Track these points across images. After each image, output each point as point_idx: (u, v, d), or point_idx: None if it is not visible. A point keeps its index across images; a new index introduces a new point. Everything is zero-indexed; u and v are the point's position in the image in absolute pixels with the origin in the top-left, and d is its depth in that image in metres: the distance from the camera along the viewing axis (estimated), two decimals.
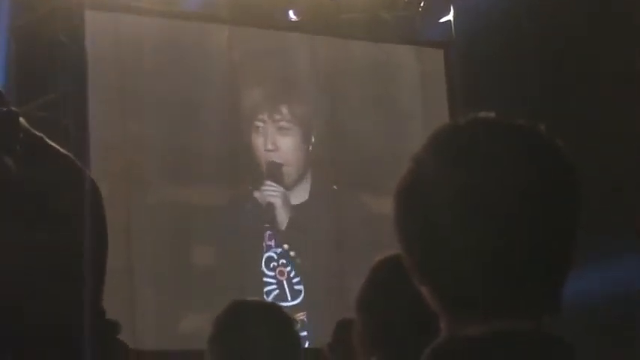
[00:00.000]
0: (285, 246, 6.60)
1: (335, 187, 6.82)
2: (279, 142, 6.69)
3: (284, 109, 6.73)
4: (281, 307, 2.58)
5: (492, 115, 1.42)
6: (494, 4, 6.74)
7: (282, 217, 6.63)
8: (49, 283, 1.47)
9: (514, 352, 1.34)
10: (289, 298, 6.53)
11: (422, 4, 7.24)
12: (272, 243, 6.62)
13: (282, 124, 6.72)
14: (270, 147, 6.65)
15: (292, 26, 7.00)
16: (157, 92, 6.36)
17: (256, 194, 6.59)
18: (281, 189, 6.63)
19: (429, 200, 1.38)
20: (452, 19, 7.18)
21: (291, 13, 7.00)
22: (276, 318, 2.53)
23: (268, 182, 6.62)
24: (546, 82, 6.63)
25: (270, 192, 6.59)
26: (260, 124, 6.67)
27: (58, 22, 5.97)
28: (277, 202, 6.61)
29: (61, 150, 1.64)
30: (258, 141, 6.66)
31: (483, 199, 1.35)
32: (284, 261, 6.60)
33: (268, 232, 6.62)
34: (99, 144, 5.91)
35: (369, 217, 6.65)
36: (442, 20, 7.25)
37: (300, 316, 6.39)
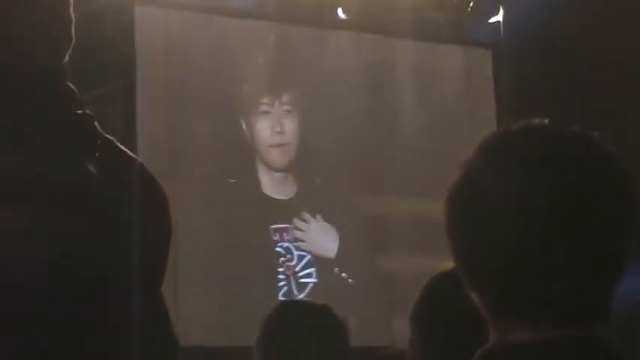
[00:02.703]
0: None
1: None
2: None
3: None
4: (331, 307, 2.57)
5: (544, 121, 1.41)
6: (543, 5, 6.69)
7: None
8: (124, 274, 1.51)
9: (563, 357, 1.33)
10: (295, 292, 6.47)
11: (471, 5, 7.20)
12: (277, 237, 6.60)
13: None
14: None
15: (341, 24, 6.99)
16: (205, 89, 6.38)
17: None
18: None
19: (480, 207, 1.38)
20: (501, 19, 7.14)
21: (339, 11, 7.00)
22: (326, 318, 2.52)
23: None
24: (598, 83, 6.57)
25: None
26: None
27: (107, 18, 6.01)
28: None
29: (131, 154, 1.67)
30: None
31: (535, 206, 1.35)
32: (289, 255, 6.57)
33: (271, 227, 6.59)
34: (147, 140, 5.94)
35: (414, 219, 6.63)
36: (491, 21, 7.21)
37: None
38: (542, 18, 6.78)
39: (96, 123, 1.70)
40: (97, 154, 1.62)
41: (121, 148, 1.71)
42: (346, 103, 6.82)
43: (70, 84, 1.74)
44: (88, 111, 1.71)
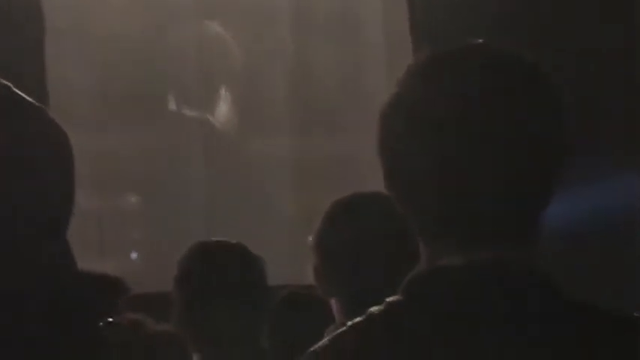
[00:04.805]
0: None
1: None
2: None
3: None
4: (245, 246, 2.56)
5: (478, 42, 1.41)
6: None
7: None
8: (22, 231, 1.47)
9: (493, 281, 1.33)
10: None
11: None
12: None
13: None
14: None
15: None
16: (118, 38, 6.28)
17: None
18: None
19: (408, 124, 1.36)
20: None
21: None
22: (241, 257, 2.52)
23: None
24: (513, 26, 6.56)
25: None
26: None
27: None
28: None
29: (28, 98, 1.62)
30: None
31: (465, 123, 1.34)
32: None
33: None
34: (57, 93, 5.82)
35: (325, 158, 6.64)
36: None
37: None
38: None
39: None
40: None
41: (17, 93, 1.66)
42: (265, 43, 6.76)
43: None
44: None
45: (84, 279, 1.66)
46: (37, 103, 1.66)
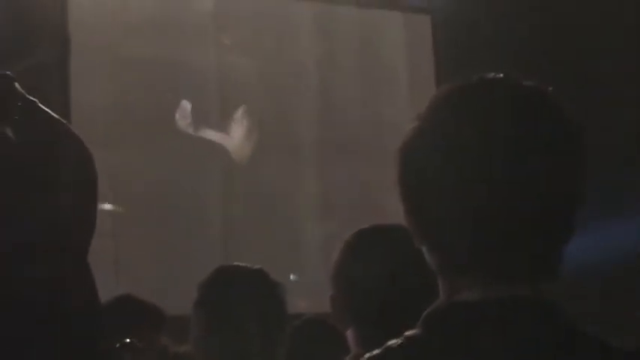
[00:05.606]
0: None
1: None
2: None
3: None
4: (267, 272, 2.56)
5: (499, 75, 1.40)
6: None
7: None
8: (45, 245, 1.46)
9: (510, 318, 1.32)
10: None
11: None
12: None
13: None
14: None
15: None
16: (141, 54, 6.30)
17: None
18: None
19: (431, 158, 1.36)
20: None
21: None
22: (262, 282, 2.51)
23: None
24: (536, 46, 6.58)
25: None
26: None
27: None
28: None
29: (55, 115, 1.62)
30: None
31: (485, 158, 1.33)
32: None
33: None
34: (81, 108, 5.85)
35: (352, 182, 6.63)
36: None
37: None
38: None
39: (16, 84, 1.65)
40: (16, 117, 1.57)
41: (44, 110, 1.66)
42: (287, 70, 6.78)
43: None
44: (8, 72, 1.66)
45: (118, 303, 1.64)
46: (63, 120, 1.67)
